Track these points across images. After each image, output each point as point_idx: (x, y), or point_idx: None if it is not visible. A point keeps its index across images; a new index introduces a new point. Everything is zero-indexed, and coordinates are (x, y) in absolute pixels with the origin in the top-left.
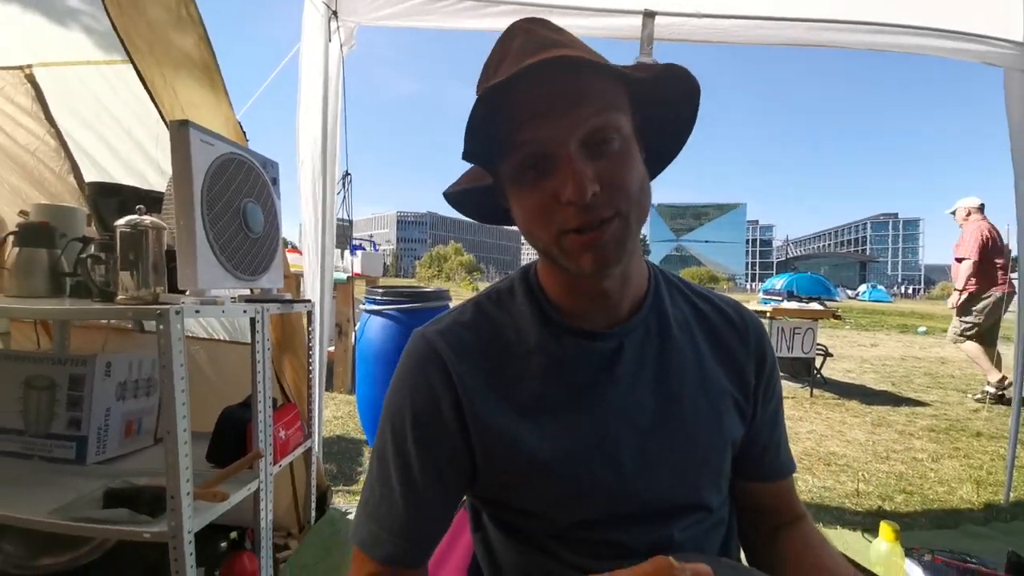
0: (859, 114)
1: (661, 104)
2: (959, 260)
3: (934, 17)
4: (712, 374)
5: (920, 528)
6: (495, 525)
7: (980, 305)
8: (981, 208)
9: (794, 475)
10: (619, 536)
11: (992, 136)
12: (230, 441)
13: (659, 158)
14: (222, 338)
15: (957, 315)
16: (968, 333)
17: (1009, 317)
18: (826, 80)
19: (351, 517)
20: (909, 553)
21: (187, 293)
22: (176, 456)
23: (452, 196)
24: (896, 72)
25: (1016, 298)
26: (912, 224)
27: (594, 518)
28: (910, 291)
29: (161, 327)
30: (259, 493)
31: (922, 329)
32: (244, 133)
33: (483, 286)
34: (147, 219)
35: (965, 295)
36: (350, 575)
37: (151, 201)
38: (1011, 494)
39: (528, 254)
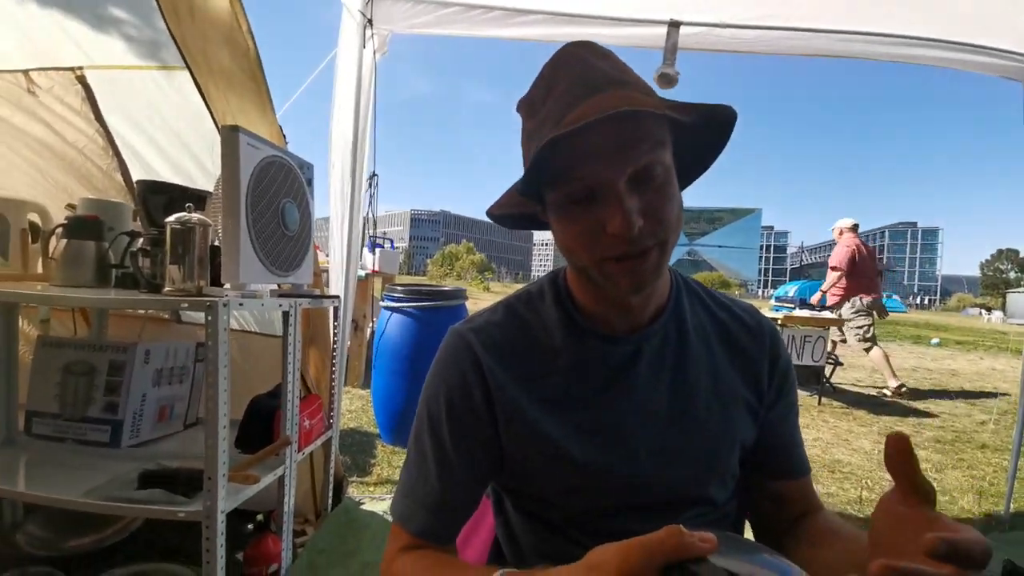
0: (880, 123)
1: (697, 134)
2: (832, 269)
3: (957, 31)
4: (725, 378)
5: None
6: (516, 510)
7: (848, 307)
8: (855, 227)
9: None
10: (631, 525)
11: (1013, 147)
12: (258, 428)
13: (686, 174)
14: (253, 330)
15: (847, 324)
16: (867, 335)
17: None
18: (847, 88)
19: (365, 507)
20: None
21: (227, 286)
22: (215, 440)
23: (497, 218)
24: (919, 81)
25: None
26: (931, 233)
27: (609, 507)
28: (925, 301)
29: (209, 318)
30: (284, 478)
31: (935, 341)
32: (284, 136)
33: (494, 286)
34: (195, 216)
35: (835, 299)
36: (387, 546)
37: (197, 199)
38: (1011, 505)
39: (539, 255)
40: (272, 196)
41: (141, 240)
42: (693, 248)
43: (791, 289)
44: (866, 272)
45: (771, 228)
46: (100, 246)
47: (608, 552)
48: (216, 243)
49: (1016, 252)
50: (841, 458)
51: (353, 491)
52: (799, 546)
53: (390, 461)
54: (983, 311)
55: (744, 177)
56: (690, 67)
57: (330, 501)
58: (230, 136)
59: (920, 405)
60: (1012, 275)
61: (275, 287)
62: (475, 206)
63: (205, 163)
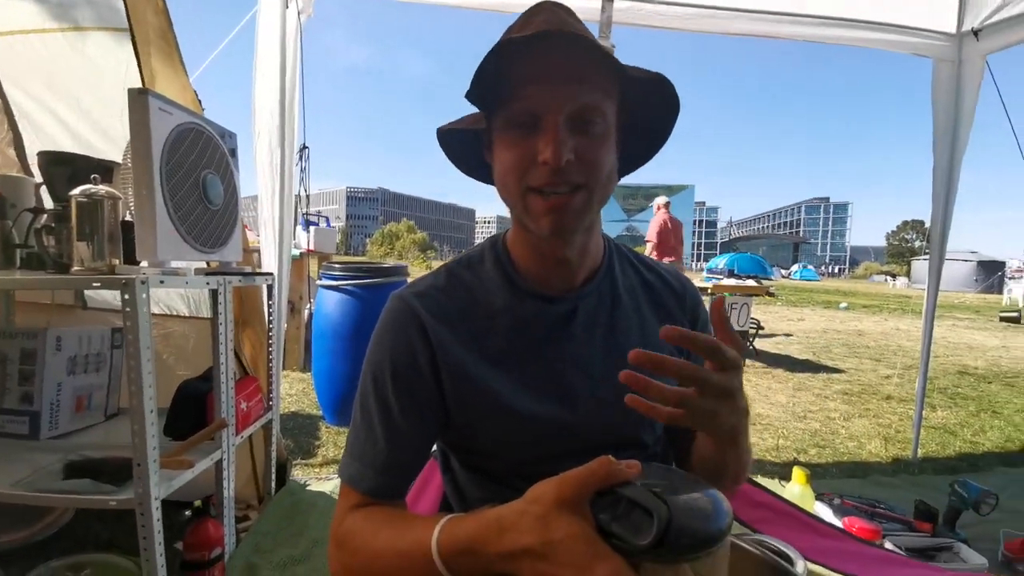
0: (798, 103)
1: (643, 114)
2: (647, 241)
3: (870, 11)
4: (652, 336)
5: (831, 477)
6: (462, 467)
7: None
8: (667, 205)
9: None
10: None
11: (919, 125)
12: (189, 414)
13: (630, 161)
14: (179, 313)
15: None
16: None
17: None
18: (769, 69)
19: (311, 488)
20: (820, 497)
21: (144, 264)
22: (143, 424)
23: (444, 134)
24: (836, 62)
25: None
26: (841, 208)
27: (549, 454)
28: (836, 270)
29: (127, 296)
30: (222, 463)
31: (843, 305)
32: (200, 102)
33: (437, 264)
34: (102, 189)
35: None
36: (337, 507)
37: (103, 171)
38: (919, 451)
39: (481, 233)
40: (191, 167)
41: (45, 216)
42: (632, 224)
43: (720, 261)
44: (669, 241)
45: (703, 204)
46: (3, 224)
47: (547, 485)
48: (128, 218)
49: (921, 223)
50: (761, 412)
51: (298, 473)
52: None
53: (336, 442)
54: (888, 277)
55: (677, 155)
56: (625, 43)
57: (273, 485)
58: (138, 100)
59: (830, 362)
60: (917, 244)
61: (201, 266)
62: (415, 184)
63: (109, 131)
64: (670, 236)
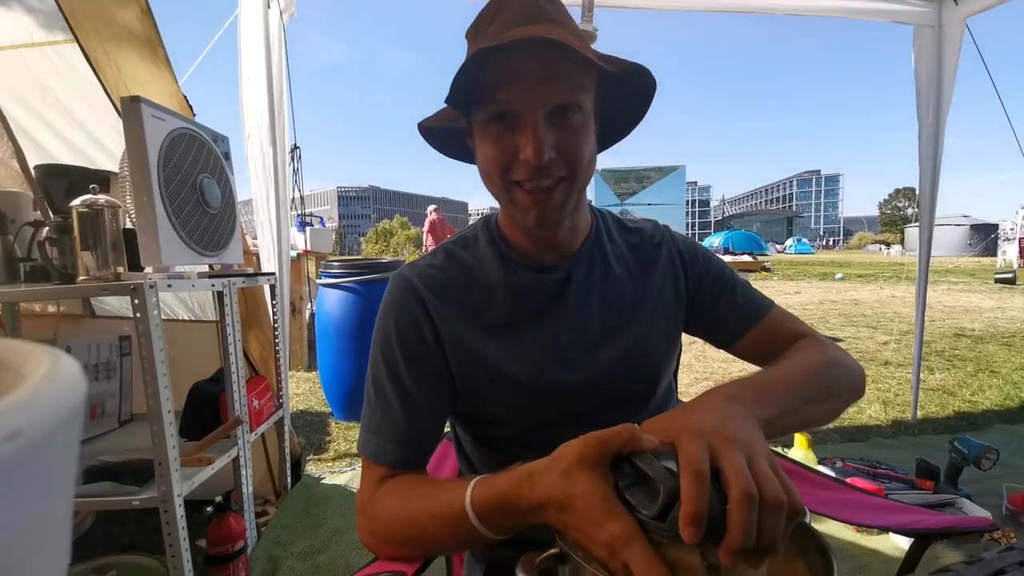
0: (784, 78)
1: (622, 92)
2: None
3: None
4: (647, 290)
5: (833, 442)
6: (473, 440)
7: None
8: (436, 210)
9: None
10: (574, 435)
11: (905, 92)
12: (202, 414)
13: (612, 135)
14: (184, 318)
15: None
16: None
17: None
18: (754, 45)
19: (325, 481)
20: (822, 461)
21: (148, 270)
22: (162, 425)
23: (426, 128)
24: (819, 34)
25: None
26: (832, 180)
27: (553, 419)
28: (831, 243)
29: (136, 302)
30: (239, 459)
31: (839, 276)
32: (191, 107)
33: None
34: (102, 198)
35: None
36: (362, 482)
37: (101, 181)
38: (918, 412)
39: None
40: (187, 172)
41: (47, 229)
42: (625, 208)
43: (716, 240)
44: (441, 233)
45: (695, 183)
46: (5, 239)
47: (571, 444)
48: (129, 226)
49: (912, 190)
50: None
51: (311, 468)
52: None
53: (346, 437)
54: (882, 246)
55: (665, 136)
56: (609, 22)
57: (289, 480)
58: (132, 108)
59: (828, 332)
60: (910, 211)
61: (204, 269)
62: (405, 180)
63: (103, 141)
64: (439, 233)
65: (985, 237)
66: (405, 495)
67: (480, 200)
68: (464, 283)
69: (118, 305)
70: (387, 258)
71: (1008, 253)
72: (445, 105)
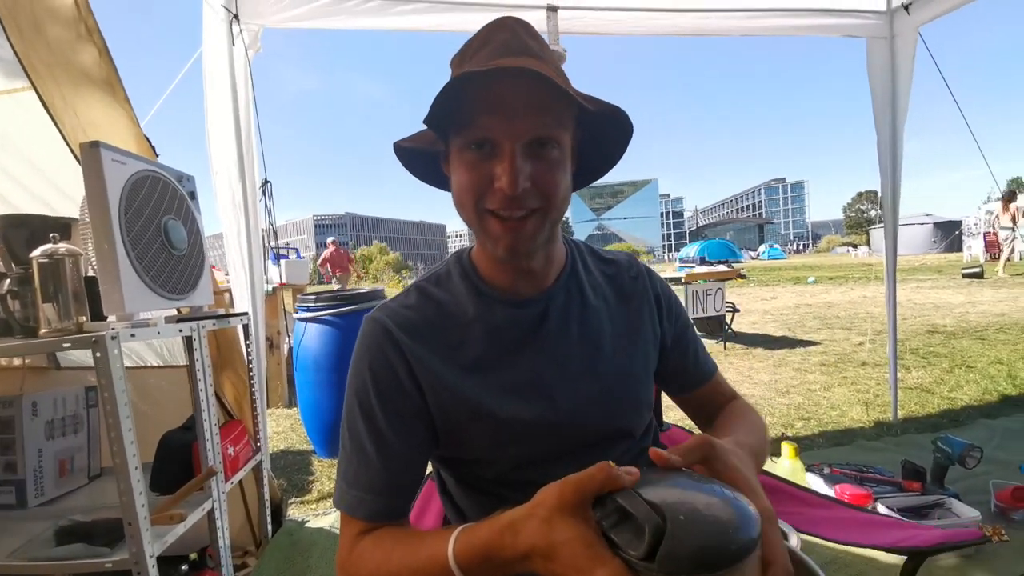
0: (748, 93)
1: (598, 134)
2: (321, 265)
3: None
4: (623, 323)
5: (818, 448)
6: (457, 484)
7: (342, 282)
8: (335, 242)
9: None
10: (558, 472)
11: (861, 98)
12: (174, 466)
13: (587, 175)
14: (152, 364)
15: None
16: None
17: None
18: (718, 63)
19: (309, 525)
20: (810, 468)
21: (112, 319)
22: (129, 483)
23: (401, 149)
24: (779, 46)
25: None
26: (798, 187)
27: (537, 456)
28: (801, 247)
29: (98, 355)
30: (214, 512)
31: (812, 279)
32: (153, 147)
33: None
34: (63, 247)
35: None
36: (341, 538)
37: (62, 228)
38: (899, 412)
39: (454, 247)
40: (150, 214)
41: (8, 282)
42: (601, 222)
43: (691, 250)
44: (339, 262)
45: (667, 196)
46: None
47: (550, 489)
48: (92, 273)
49: (874, 192)
50: (746, 391)
51: (294, 512)
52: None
53: (330, 475)
54: (850, 248)
55: (638, 151)
56: (576, 49)
57: (269, 527)
58: (91, 153)
59: (805, 336)
60: (873, 213)
61: (172, 313)
62: (382, 205)
63: (64, 187)
64: (336, 260)
65: (948, 234)
66: (386, 550)
67: (458, 223)
68: (439, 321)
69: (83, 356)
70: (365, 287)
71: (973, 248)
72: (424, 128)
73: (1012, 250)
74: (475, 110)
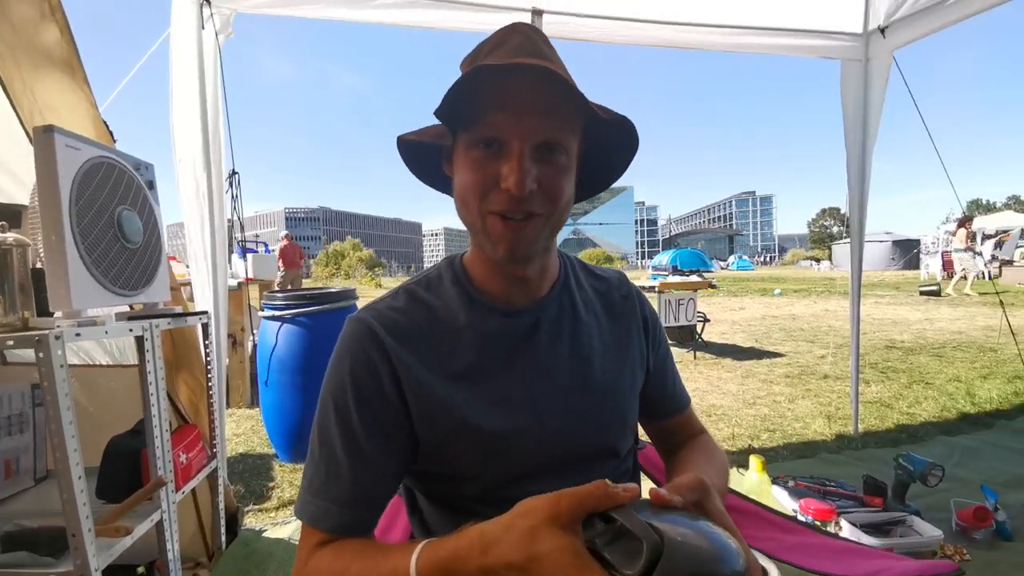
0: (721, 107)
1: (603, 146)
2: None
3: (780, 18)
4: (612, 341)
5: (783, 459)
6: (429, 501)
7: (285, 279)
8: (288, 236)
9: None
10: (541, 491)
11: (832, 117)
12: (122, 473)
13: (589, 187)
14: (102, 363)
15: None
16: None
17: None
18: (694, 77)
19: (267, 535)
20: (775, 481)
21: (58, 315)
22: (72, 492)
23: (405, 143)
24: (754, 62)
25: (851, 251)
26: (767, 200)
27: (521, 473)
28: (767, 259)
29: (41, 355)
30: (163, 523)
31: (778, 291)
32: (111, 133)
33: (387, 281)
34: (10, 236)
35: (281, 272)
36: (299, 549)
37: (11, 215)
38: (859, 426)
39: (429, 246)
40: (103, 204)
41: None
42: (577, 227)
43: (664, 258)
44: (292, 257)
45: (642, 203)
46: None
47: (540, 500)
48: (39, 265)
49: (837, 210)
50: (715, 402)
51: (251, 521)
52: (674, 470)
53: (291, 481)
54: (813, 262)
55: None
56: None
57: (223, 538)
58: (44, 138)
59: (771, 347)
60: (835, 229)
61: (124, 310)
62: (357, 200)
63: (17, 171)
64: (289, 254)
65: (907, 252)
66: (344, 562)
67: (433, 221)
68: (428, 326)
69: (30, 352)
70: (336, 286)
71: (931, 267)
72: (430, 123)
73: (964, 271)
74: (487, 106)
